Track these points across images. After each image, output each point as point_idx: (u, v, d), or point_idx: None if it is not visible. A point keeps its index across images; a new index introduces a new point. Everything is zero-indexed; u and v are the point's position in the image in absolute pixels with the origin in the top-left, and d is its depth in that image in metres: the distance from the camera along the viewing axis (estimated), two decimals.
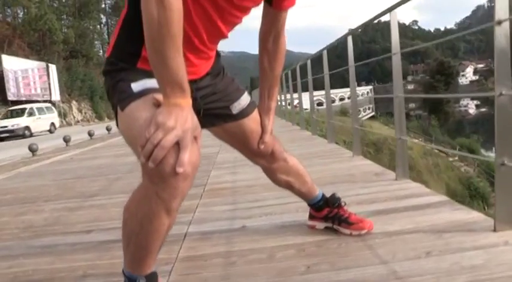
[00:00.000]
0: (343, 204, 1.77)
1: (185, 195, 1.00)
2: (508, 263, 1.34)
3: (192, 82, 1.18)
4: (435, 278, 1.29)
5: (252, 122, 1.46)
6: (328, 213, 1.77)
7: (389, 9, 2.61)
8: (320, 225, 1.82)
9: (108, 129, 14.10)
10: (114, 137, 11.04)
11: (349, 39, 3.66)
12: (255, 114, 1.48)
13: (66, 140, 10.18)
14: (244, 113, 1.44)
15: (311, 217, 1.85)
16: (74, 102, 33.51)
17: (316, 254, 1.58)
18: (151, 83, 1.03)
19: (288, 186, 1.70)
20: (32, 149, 8.34)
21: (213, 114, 1.38)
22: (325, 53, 4.84)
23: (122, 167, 4.74)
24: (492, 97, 1.62)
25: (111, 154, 6.45)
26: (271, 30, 1.42)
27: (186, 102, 0.96)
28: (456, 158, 29.03)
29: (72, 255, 1.84)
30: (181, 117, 0.93)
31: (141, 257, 1.13)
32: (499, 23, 1.57)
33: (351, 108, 3.99)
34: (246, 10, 1.23)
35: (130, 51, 1.13)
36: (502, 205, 1.63)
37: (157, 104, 0.99)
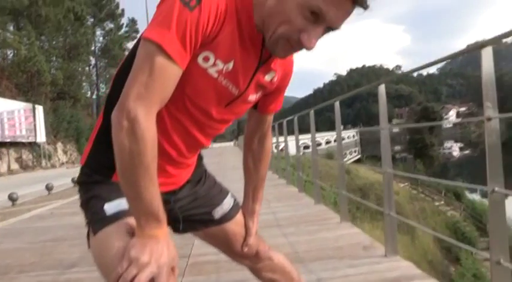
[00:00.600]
0: None
1: None
2: None
3: (170, 193, 1.16)
4: None
5: (235, 225, 1.38)
6: None
7: (378, 84, 2.63)
8: None
9: None
10: None
11: (336, 104, 3.67)
12: (239, 216, 1.40)
13: (49, 188, 9.97)
14: (227, 217, 1.35)
15: None
16: (59, 143, 33.21)
17: None
18: (126, 203, 0.96)
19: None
20: (12, 198, 8.13)
21: (194, 220, 1.31)
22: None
23: None
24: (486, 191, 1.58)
25: None
26: (256, 132, 1.37)
27: (162, 232, 0.91)
28: (442, 202, 29.06)
29: None
30: (157, 251, 0.87)
31: None
32: (489, 119, 1.58)
33: (338, 170, 3.94)
34: (227, 122, 1.17)
35: (105, 164, 1.05)
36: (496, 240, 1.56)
37: (132, 232, 0.93)
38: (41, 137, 29.44)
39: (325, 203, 5.82)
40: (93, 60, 47.46)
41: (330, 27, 0.95)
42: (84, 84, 44.44)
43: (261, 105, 1.28)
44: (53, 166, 29.76)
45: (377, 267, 2.42)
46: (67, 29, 38.11)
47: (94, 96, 48.22)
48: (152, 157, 0.89)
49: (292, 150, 8.21)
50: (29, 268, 3.11)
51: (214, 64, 0.99)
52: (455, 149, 77.52)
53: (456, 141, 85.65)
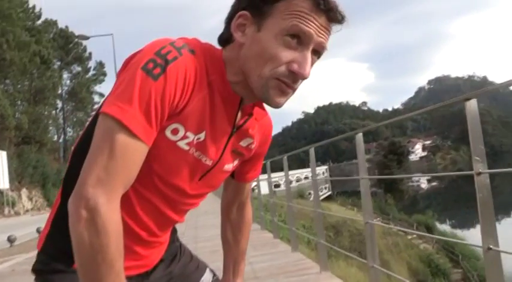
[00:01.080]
0: None
1: None
2: None
3: (142, 276, 1.05)
4: None
5: None
6: None
7: (356, 133, 2.63)
8: None
9: None
10: None
11: (311, 151, 3.65)
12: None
13: (11, 240, 9.47)
14: None
15: None
16: (24, 190, 32.04)
17: None
18: None
19: None
20: None
21: None
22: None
23: None
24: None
25: None
26: (234, 201, 1.27)
27: None
28: (414, 235, 29.33)
29: None
30: None
31: None
32: (478, 174, 1.57)
33: (315, 220, 3.87)
34: (202, 196, 1.06)
35: (64, 249, 0.89)
36: None
37: None
38: (4, 184, 28.34)
39: (301, 243, 5.70)
40: (60, 104, 46.84)
41: (317, 51, 0.88)
42: (50, 128, 43.64)
43: (239, 173, 1.19)
44: (17, 213, 28.56)
45: None
46: (33, 73, 37.66)
47: (61, 140, 47.34)
48: (117, 252, 0.77)
49: (263, 189, 8.14)
50: None
51: (184, 136, 0.89)
52: (423, 182, 79.17)
53: (423, 173, 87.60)
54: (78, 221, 0.75)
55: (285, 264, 4.07)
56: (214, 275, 1.29)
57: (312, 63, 0.89)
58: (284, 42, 0.84)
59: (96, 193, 0.75)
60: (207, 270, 1.27)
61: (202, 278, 1.23)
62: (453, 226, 38.20)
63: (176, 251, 1.21)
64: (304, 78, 0.87)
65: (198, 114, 0.89)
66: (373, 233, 2.61)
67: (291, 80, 0.87)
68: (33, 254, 7.26)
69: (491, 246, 1.55)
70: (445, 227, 35.18)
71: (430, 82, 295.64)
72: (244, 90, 0.92)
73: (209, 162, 0.96)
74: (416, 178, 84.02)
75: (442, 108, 2.12)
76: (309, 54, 0.86)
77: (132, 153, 0.79)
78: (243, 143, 1.04)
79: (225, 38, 0.94)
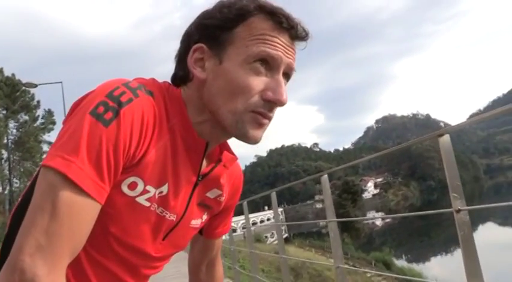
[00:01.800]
0: None
1: None
2: None
3: None
4: None
5: None
6: None
7: (320, 175, 2.72)
8: None
9: None
10: None
11: (273, 195, 3.73)
12: None
13: None
14: None
15: None
16: None
17: None
18: None
19: None
20: None
21: None
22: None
23: None
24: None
25: None
26: (203, 259, 1.11)
27: None
28: (373, 272, 29.49)
29: None
30: None
31: None
32: (458, 211, 1.55)
33: (282, 266, 3.89)
34: (167, 258, 0.93)
35: None
36: None
37: None
38: None
39: None
40: (5, 154, 44.87)
41: (286, 73, 0.80)
42: None
43: (207, 229, 1.04)
44: None
45: None
46: None
47: (6, 192, 44.98)
48: None
49: None
50: None
51: (144, 191, 0.76)
52: (377, 219, 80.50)
53: (377, 210, 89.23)
54: None
55: None
56: None
57: (285, 85, 0.81)
58: (252, 70, 0.76)
59: (35, 263, 0.62)
60: None
61: None
62: (409, 261, 38.82)
63: None
64: (282, 104, 0.78)
65: (158, 165, 0.77)
66: (344, 277, 2.56)
67: (267, 109, 0.78)
68: None
69: None
70: (402, 262, 35.62)
71: (377, 121, 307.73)
72: (211, 130, 0.82)
73: (173, 218, 0.83)
74: (371, 216, 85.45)
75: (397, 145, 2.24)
76: (281, 78, 0.78)
77: (80, 212, 0.66)
78: (211, 195, 0.91)
79: (181, 76, 0.83)
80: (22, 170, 46.91)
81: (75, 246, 0.67)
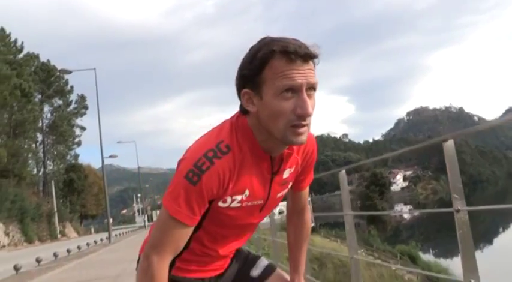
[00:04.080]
0: None
1: None
2: None
3: (217, 276, 1.42)
4: None
5: (275, 279, 1.50)
6: None
7: (339, 170, 2.73)
8: None
9: (38, 260, 12.22)
10: (45, 272, 10.03)
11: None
12: (278, 272, 1.53)
13: None
14: (265, 273, 1.49)
15: None
16: (0, 225, 31.18)
17: None
18: None
19: None
20: None
21: None
22: None
23: None
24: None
25: None
26: (295, 208, 1.52)
27: None
28: (399, 265, 29.23)
29: None
30: None
31: None
32: (458, 211, 1.65)
33: None
34: (266, 215, 1.36)
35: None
36: None
37: None
38: None
39: None
40: (40, 137, 46.26)
41: (311, 87, 1.10)
42: (30, 161, 42.86)
43: (294, 185, 1.41)
44: None
45: None
46: (13, 106, 37.28)
47: (41, 174, 46.46)
48: None
49: None
50: None
51: (233, 200, 1.20)
52: (406, 212, 79.42)
53: (405, 203, 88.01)
54: (141, 266, 1.18)
55: None
56: (269, 261, 1.55)
57: (312, 97, 1.11)
58: (283, 98, 1.08)
59: (152, 254, 1.16)
60: (262, 257, 1.56)
61: (258, 261, 1.52)
62: (436, 255, 38.20)
63: (239, 256, 1.52)
64: (309, 115, 1.10)
65: (239, 185, 1.19)
66: (358, 268, 2.66)
67: (301, 121, 1.10)
68: None
69: (472, 281, 1.62)
70: (428, 257, 35.11)
71: (409, 113, 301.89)
72: (272, 144, 1.18)
73: (261, 202, 1.26)
74: (399, 209, 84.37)
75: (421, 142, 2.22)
76: (304, 96, 1.08)
77: (177, 232, 1.16)
78: (285, 175, 1.29)
79: (243, 111, 1.20)
80: (55, 153, 48.28)
81: (176, 248, 1.18)
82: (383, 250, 32.36)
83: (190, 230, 1.18)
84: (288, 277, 1.55)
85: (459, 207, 1.65)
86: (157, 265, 1.14)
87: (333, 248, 20.42)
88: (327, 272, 17.76)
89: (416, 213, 73.64)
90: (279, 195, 1.31)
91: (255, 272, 1.50)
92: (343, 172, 2.74)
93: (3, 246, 29.74)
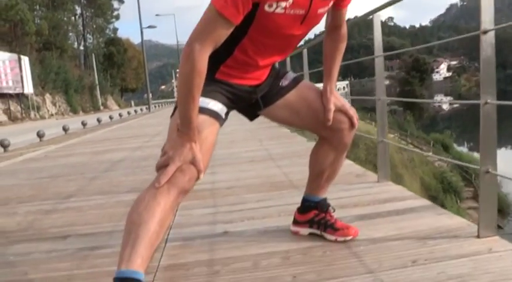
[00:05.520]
0: (331, 210, 1.76)
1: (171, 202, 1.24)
2: (493, 272, 1.34)
3: (255, 86, 1.54)
4: None
5: (304, 89, 1.63)
6: (314, 216, 1.75)
7: (373, 12, 2.60)
8: (304, 231, 1.79)
9: (84, 124, 13.71)
10: (90, 132, 10.81)
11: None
12: (305, 81, 1.68)
13: (40, 135, 9.90)
14: (293, 83, 1.63)
15: (295, 223, 1.83)
16: (47, 95, 32.77)
17: (301, 262, 1.55)
18: (202, 102, 1.32)
19: (319, 172, 1.73)
20: (4, 145, 8.09)
21: (269, 95, 1.60)
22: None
23: (98, 165, 4.63)
24: (478, 105, 1.60)
25: (87, 151, 6.31)
26: (334, 23, 1.60)
27: (188, 137, 1.28)
28: (430, 152, 29.54)
29: (48, 264, 1.77)
30: (179, 150, 1.27)
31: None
32: (485, 32, 1.57)
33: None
34: (306, 34, 1.45)
35: (213, 62, 1.32)
36: (486, 212, 1.64)
37: (177, 128, 1.30)
38: (29, 89, 28.99)
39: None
40: (78, 10, 45.99)
41: None
42: (70, 34, 43.31)
43: (335, 4, 1.49)
44: (42, 117, 29.52)
45: (370, 190, 2.49)
46: None
47: (81, 47, 47.16)
48: (197, 78, 1.23)
49: None
50: (28, 199, 3.15)
51: (277, 6, 1.27)
52: (445, 103, 77.66)
53: (446, 94, 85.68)
54: (184, 52, 1.24)
55: (300, 150, 4.22)
56: (297, 74, 1.72)
57: None
58: None
59: (194, 43, 1.22)
60: (290, 71, 1.72)
61: (287, 73, 1.67)
62: (471, 149, 38.06)
63: (277, 71, 1.67)
64: None
65: None
66: (387, 151, 2.71)
67: None
68: (62, 145, 7.66)
69: (489, 170, 1.60)
70: (462, 149, 35.06)
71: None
72: None
73: (302, 12, 1.32)
74: (439, 98, 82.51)
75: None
76: None
77: (220, 27, 1.22)
78: None
79: None
80: (94, 26, 48.32)
81: (217, 42, 1.24)
82: (416, 136, 32.42)
83: (231, 28, 1.24)
84: (315, 86, 1.69)
85: (488, 100, 1.58)
86: (199, 52, 1.21)
87: (367, 130, 20.51)
88: (358, 152, 18.12)
89: (447, 105, 71.80)
90: (320, 11, 1.38)
91: (285, 82, 1.63)
92: (381, 58, 2.65)
93: (52, 115, 31.61)
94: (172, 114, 1.43)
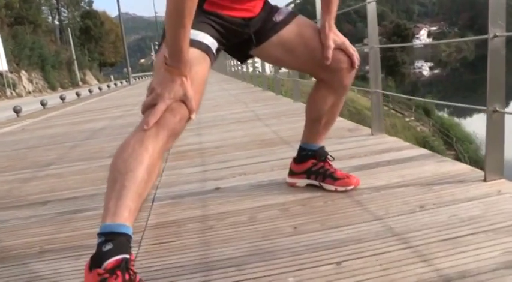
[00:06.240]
0: (330, 159, 1.65)
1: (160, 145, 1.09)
2: (506, 212, 1.26)
3: (247, 19, 1.39)
4: (436, 231, 1.18)
5: (299, 26, 1.48)
6: (312, 165, 1.64)
7: (368, 2, 2.46)
8: (301, 182, 1.69)
9: (62, 98, 13.36)
10: (69, 105, 10.52)
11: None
12: (300, 16, 1.51)
13: (17, 110, 9.57)
14: (288, 18, 1.47)
15: (291, 174, 1.72)
16: (23, 72, 31.81)
17: (301, 213, 1.44)
18: (191, 34, 1.12)
19: (317, 117, 1.60)
20: None
21: (263, 30, 1.44)
22: None
23: (78, 134, 4.46)
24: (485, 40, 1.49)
25: (67, 122, 6.10)
26: None
27: (179, 72, 1.11)
28: (412, 118, 29.77)
29: (27, 230, 1.64)
30: (169, 87, 1.11)
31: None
32: (494, 37, 1.47)
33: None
34: None
35: None
36: (493, 154, 1.55)
37: (165, 62, 1.12)
38: (2, 65, 28.01)
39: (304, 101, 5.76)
40: None
41: None
42: (43, 8, 41.81)
43: None
44: (19, 95, 28.72)
45: (365, 142, 2.39)
46: None
47: (56, 21, 45.65)
48: (189, 1, 1.04)
49: (267, 69, 8.01)
50: (6, 170, 2.99)
51: None
52: (425, 68, 78.05)
53: (426, 60, 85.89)
54: None
55: (286, 110, 4.11)
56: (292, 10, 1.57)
57: None
58: None
59: None
60: (285, 6, 1.58)
61: (281, 9, 1.50)
62: (450, 113, 38.50)
63: (271, 7, 1.49)
64: None
65: None
66: (380, 102, 2.62)
67: None
68: (40, 119, 7.41)
69: (497, 108, 1.50)
70: (443, 114, 35.43)
71: None
72: None
73: None
74: (419, 65, 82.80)
75: None
76: None
77: None
78: None
79: None
80: None
81: None
82: (398, 101, 32.60)
83: None
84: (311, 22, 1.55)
85: (497, 33, 1.45)
86: None
87: (350, 97, 20.59)
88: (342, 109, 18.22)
89: (437, 70, 72.13)
90: None
91: (279, 17, 1.47)
92: (372, 4, 2.51)
93: (29, 92, 30.76)
94: (158, 49, 1.26)
